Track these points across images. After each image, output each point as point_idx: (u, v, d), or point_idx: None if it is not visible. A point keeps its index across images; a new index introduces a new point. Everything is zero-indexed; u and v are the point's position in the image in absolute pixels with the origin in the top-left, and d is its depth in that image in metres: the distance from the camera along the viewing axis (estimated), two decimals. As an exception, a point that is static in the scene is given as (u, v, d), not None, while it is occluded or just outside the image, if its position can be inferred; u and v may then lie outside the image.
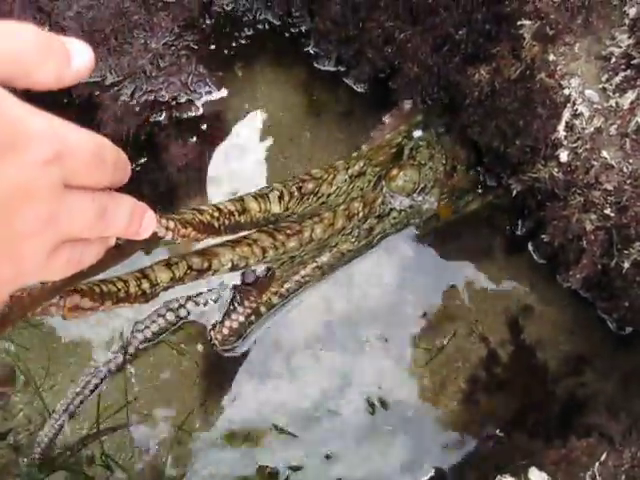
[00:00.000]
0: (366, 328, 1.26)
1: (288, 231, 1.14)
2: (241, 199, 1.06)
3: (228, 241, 1.07)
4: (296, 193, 1.13)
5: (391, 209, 1.23)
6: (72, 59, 0.48)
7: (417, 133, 1.27)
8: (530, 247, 1.25)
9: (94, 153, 0.49)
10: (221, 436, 1.22)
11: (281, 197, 1.11)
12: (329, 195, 1.19)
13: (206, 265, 1.01)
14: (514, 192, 1.16)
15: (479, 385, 1.22)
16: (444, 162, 1.25)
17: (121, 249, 0.72)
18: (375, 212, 1.22)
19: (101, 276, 0.83)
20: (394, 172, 1.22)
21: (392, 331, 1.26)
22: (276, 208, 1.10)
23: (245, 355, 1.24)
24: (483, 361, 1.23)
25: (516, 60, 1.10)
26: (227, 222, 1.01)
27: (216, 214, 0.98)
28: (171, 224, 0.85)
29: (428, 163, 1.24)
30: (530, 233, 1.24)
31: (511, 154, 1.16)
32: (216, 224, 0.98)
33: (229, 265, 1.04)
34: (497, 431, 1.17)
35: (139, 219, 0.55)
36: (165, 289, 0.97)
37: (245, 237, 1.09)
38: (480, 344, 1.25)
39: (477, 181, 1.29)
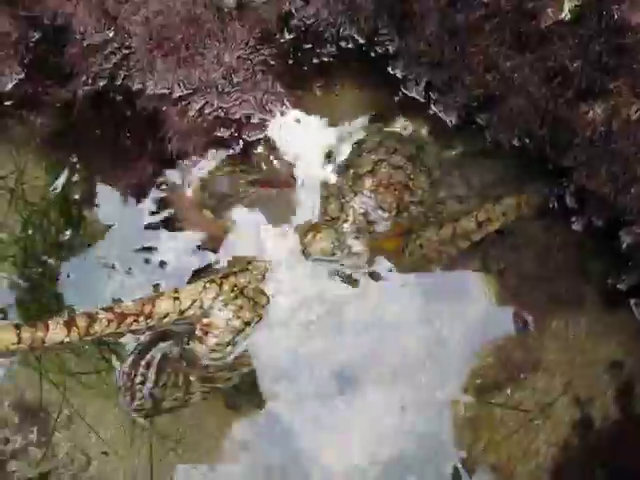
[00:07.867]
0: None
1: None
2: None
3: None
4: None
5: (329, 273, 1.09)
6: None
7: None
8: (632, 303, 1.14)
9: None
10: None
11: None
12: None
13: None
14: (624, 245, 1.05)
15: (571, 452, 1.11)
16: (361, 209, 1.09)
17: None
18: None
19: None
20: (308, 238, 1.07)
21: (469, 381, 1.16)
22: None
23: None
24: (574, 424, 1.12)
25: (637, 99, 1.00)
26: None
27: None
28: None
29: (341, 215, 1.09)
30: (633, 288, 1.13)
31: (621, 202, 1.05)
32: None
33: None
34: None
35: None
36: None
37: None
38: (565, 399, 1.15)
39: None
